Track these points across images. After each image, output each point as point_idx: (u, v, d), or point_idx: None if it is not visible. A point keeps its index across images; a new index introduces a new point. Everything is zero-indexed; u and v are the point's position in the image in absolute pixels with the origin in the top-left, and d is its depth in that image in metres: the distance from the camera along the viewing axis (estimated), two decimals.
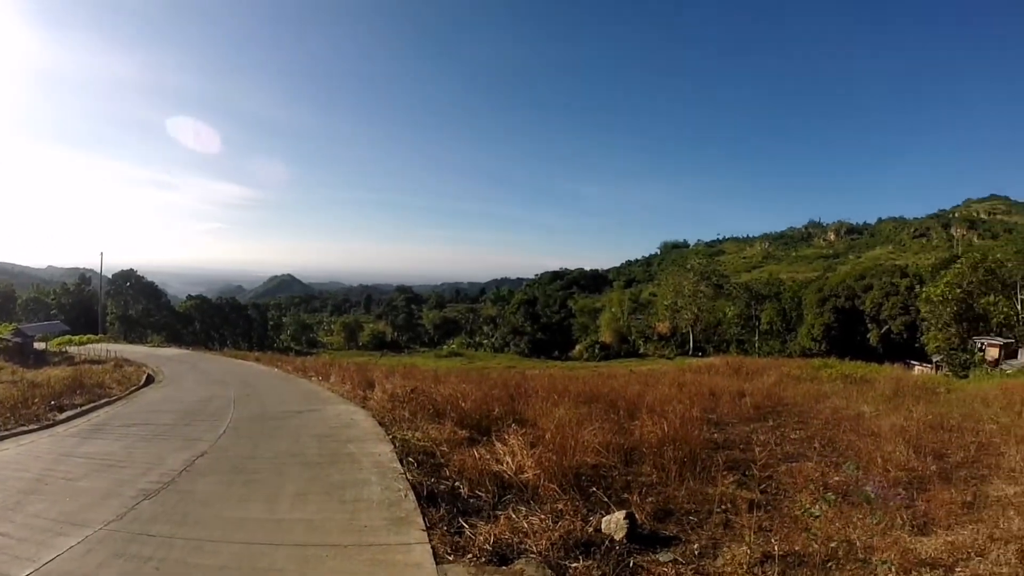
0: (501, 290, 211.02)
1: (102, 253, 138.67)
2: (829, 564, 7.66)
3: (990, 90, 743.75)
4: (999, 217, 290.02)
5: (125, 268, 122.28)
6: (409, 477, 10.18)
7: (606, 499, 8.80)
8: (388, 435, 14.14)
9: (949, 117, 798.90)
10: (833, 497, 9.49)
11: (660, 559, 7.19)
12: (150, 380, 29.80)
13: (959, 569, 8.86)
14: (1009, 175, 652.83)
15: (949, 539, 10.01)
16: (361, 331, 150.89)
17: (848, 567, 7.60)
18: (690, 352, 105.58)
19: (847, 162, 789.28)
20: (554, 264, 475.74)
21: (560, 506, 8.51)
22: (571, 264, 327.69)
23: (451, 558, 7.04)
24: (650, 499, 9.09)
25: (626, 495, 9.21)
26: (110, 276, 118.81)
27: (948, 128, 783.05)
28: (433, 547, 7.26)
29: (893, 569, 8.03)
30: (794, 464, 12.66)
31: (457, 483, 9.89)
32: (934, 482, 13.56)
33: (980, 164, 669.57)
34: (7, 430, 16.33)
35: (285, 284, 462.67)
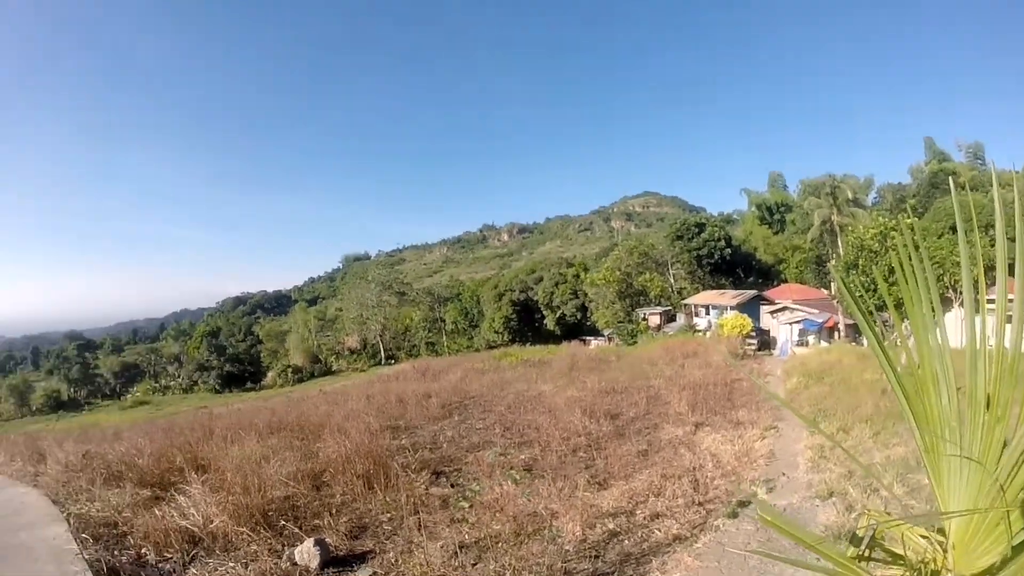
0: (182, 324, 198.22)
1: None
2: (520, 537, 8.07)
3: (639, 98, 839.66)
4: (652, 209, 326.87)
5: None
6: (86, 556, 9.35)
7: (297, 529, 8.68)
8: (63, 512, 12.90)
9: (605, 124, 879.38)
10: (516, 475, 10.03)
11: None
12: None
13: (639, 511, 9.81)
14: (658, 174, 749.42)
15: (627, 487, 11.04)
16: (32, 393, 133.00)
17: (537, 535, 8.05)
18: (383, 361, 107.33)
19: (516, 169, 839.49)
20: (236, 289, 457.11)
21: (253, 548, 8.28)
22: (253, 287, 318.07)
23: None
24: (343, 519, 9.12)
25: (317, 521, 9.15)
26: None
27: (605, 134, 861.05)
28: None
29: (578, 524, 8.73)
30: (480, 452, 13.23)
31: (144, 549, 9.27)
32: (611, 440, 14.86)
33: (634, 165, 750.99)
34: None
35: None
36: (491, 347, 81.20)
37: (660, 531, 8.98)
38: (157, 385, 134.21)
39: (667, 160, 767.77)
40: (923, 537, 2.77)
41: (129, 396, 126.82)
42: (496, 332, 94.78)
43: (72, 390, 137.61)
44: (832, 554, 2.65)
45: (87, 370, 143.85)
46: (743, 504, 9.82)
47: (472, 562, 7.60)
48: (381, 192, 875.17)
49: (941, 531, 2.72)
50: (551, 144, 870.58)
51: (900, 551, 2.79)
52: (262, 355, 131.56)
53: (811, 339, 44.94)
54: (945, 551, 2.65)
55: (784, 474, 11.95)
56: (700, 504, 10.12)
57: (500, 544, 7.89)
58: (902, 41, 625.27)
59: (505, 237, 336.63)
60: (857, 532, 2.87)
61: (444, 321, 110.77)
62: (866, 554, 2.71)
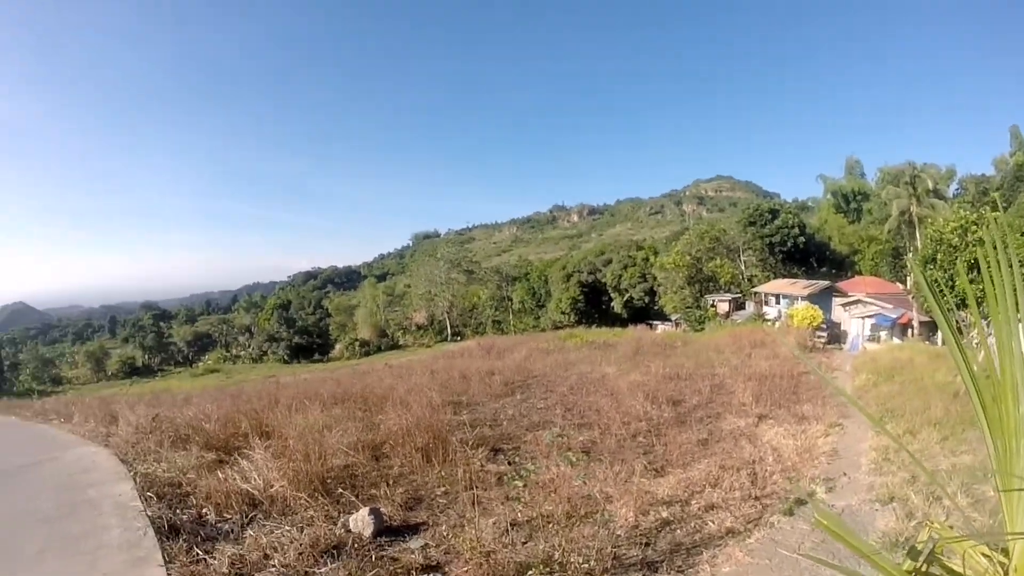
0: (254, 296, 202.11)
1: None
2: (572, 519, 8.00)
3: (714, 82, 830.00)
4: (724, 194, 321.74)
5: None
6: (149, 513, 9.59)
7: (354, 498, 8.74)
8: (130, 472, 13.26)
9: (678, 106, 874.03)
10: (573, 457, 9.94)
11: (411, 547, 7.27)
12: None
13: (694, 502, 9.64)
14: (731, 157, 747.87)
15: (684, 476, 10.87)
16: (108, 359, 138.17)
17: (589, 519, 7.96)
18: (449, 338, 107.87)
19: (588, 150, 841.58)
20: (307, 264, 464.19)
21: (311, 513, 8.39)
22: (324, 263, 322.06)
23: None
24: (400, 490, 9.15)
25: (374, 491, 9.20)
26: None
27: (678, 116, 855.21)
28: None
29: (632, 510, 8.63)
30: (539, 432, 13.13)
31: (204, 509, 9.48)
32: (671, 427, 14.67)
33: (708, 148, 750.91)
34: None
35: (18, 314, 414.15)
36: (557, 328, 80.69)
37: (713, 523, 8.82)
38: (228, 354, 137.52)
39: (742, 143, 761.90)
40: (984, 556, 2.61)
41: (200, 364, 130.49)
42: (562, 313, 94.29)
43: (146, 357, 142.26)
44: (887, 566, 2.51)
45: (161, 338, 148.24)
46: (800, 502, 9.55)
47: (523, 540, 7.59)
48: (452, 171, 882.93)
49: (1004, 551, 2.56)
50: (624, 125, 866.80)
51: (959, 568, 2.63)
52: (331, 328, 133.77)
53: (883, 335, 43.47)
54: (1006, 574, 2.49)
55: (845, 474, 11.60)
56: (756, 498, 9.90)
57: (551, 525, 7.85)
58: (987, 25, 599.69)
59: (575, 218, 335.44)
60: (916, 545, 2.72)
61: (511, 300, 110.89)
62: (923, 569, 2.56)
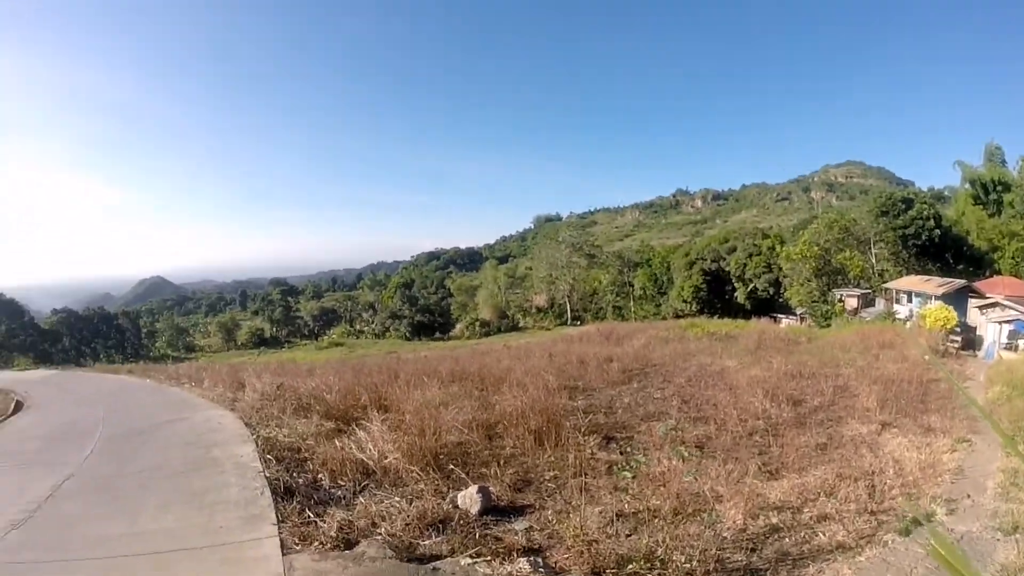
0: (378, 275, 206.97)
1: None
2: (679, 516, 7.82)
3: (846, 64, 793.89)
4: (855, 180, 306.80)
5: None
6: (267, 474, 10.02)
7: (464, 475, 8.82)
8: (253, 435, 13.84)
9: (808, 88, 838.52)
10: (684, 452, 9.70)
11: (516, 528, 7.28)
12: (19, 407, 28.08)
13: (807, 510, 9.27)
14: (864, 142, 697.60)
15: (799, 481, 10.48)
16: (239, 330, 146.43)
17: (697, 517, 7.75)
18: (568, 321, 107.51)
19: (713, 133, 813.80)
20: (430, 245, 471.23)
21: (421, 487, 8.54)
22: (447, 244, 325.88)
23: (298, 547, 7.04)
24: (510, 471, 9.18)
25: (484, 470, 9.25)
26: None
27: (808, 99, 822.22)
28: (282, 539, 7.26)
29: (741, 512, 8.37)
30: (654, 423, 12.90)
31: (320, 475, 9.80)
32: (790, 428, 14.19)
33: (837, 131, 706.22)
34: None
35: (156, 287, 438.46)
36: (678, 316, 79.25)
37: (824, 535, 8.37)
38: (352, 329, 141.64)
39: (874, 126, 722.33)
40: None
41: (325, 338, 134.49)
42: (684, 301, 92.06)
43: (274, 329, 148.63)
44: None
45: (289, 312, 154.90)
46: (918, 522, 8.99)
47: (627, 533, 7.46)
48: (575, 154, 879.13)
49: None
50: (752, 106, 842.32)
51: None
52: (452, 307, 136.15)
53: (1021, 344, 40.70)
54: None
55: (969, 496, 10.81)
56: (872, 513, 9.36)
57: (657, 519, 7.68)
58: None
59: (698, 203, 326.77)
60: None
61: (632, 286, 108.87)
62: None
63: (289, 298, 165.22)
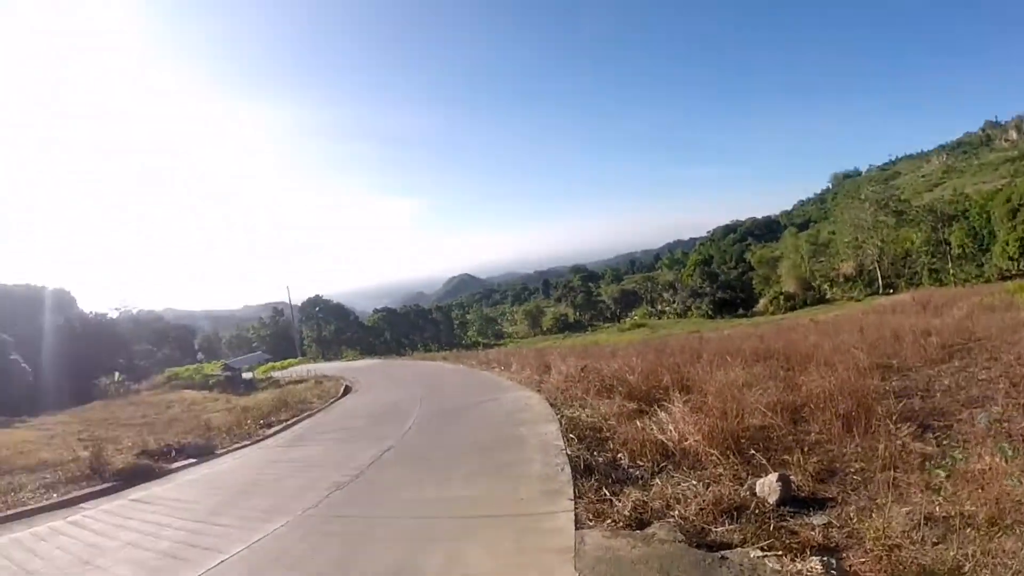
0: (675, 253, 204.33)
1: (288, 287, 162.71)
2: (994, 527, 6.67)
3: None
4: None
5: (311, 296, 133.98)
6: (569, 452, 10.41)
7: (765, 461, 8.51)
8: (557, 415, 14.39)
9: None
10: (1008, 449, 8.41)
11: (814, 522, 6.87)
12: (347, 391, 31.35)
13: None
14: None
15: None
16: (543, 316, 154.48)
17: (1015, 530, 6.52)
18: (879, 290, 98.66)
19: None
20: (725, 218, 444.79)
21: (719, 471, 8.39)
22: (742, 214, 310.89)
23: (591, 523, 7.24)
24: (813, 459, 8.66)
25: (786, 457, 8.87)
26: (299, 305, 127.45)
27: None
28: (577, 514, 7.54)
29: None
30: (976, 410, 11.52)
31: (619, 455, 10.01)
32: None
33: None
34: (224, 448, 18.12)
35: (463, 283, 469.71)
36: (1003, 277, 69.93)
37: None
38: (653, 310, 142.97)
39: None
40: None
41: (627, 320, 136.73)
42: (1010, 259, 79.28)
43: (577, 314, 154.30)
44: None
45: (590, 297, 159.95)
46: None
47: (934, 540, 6.28)
48: (867, 98, 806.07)
49: None
50: None
51: None
52: (754, 282, 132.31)
53: None
54: None
55: None
56: None
57: (969, 529, 6.48)
58: None
59: (1014, 135, 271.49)
60: None
61: (949, 244, 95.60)
62: None
63: (589, 283, 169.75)
